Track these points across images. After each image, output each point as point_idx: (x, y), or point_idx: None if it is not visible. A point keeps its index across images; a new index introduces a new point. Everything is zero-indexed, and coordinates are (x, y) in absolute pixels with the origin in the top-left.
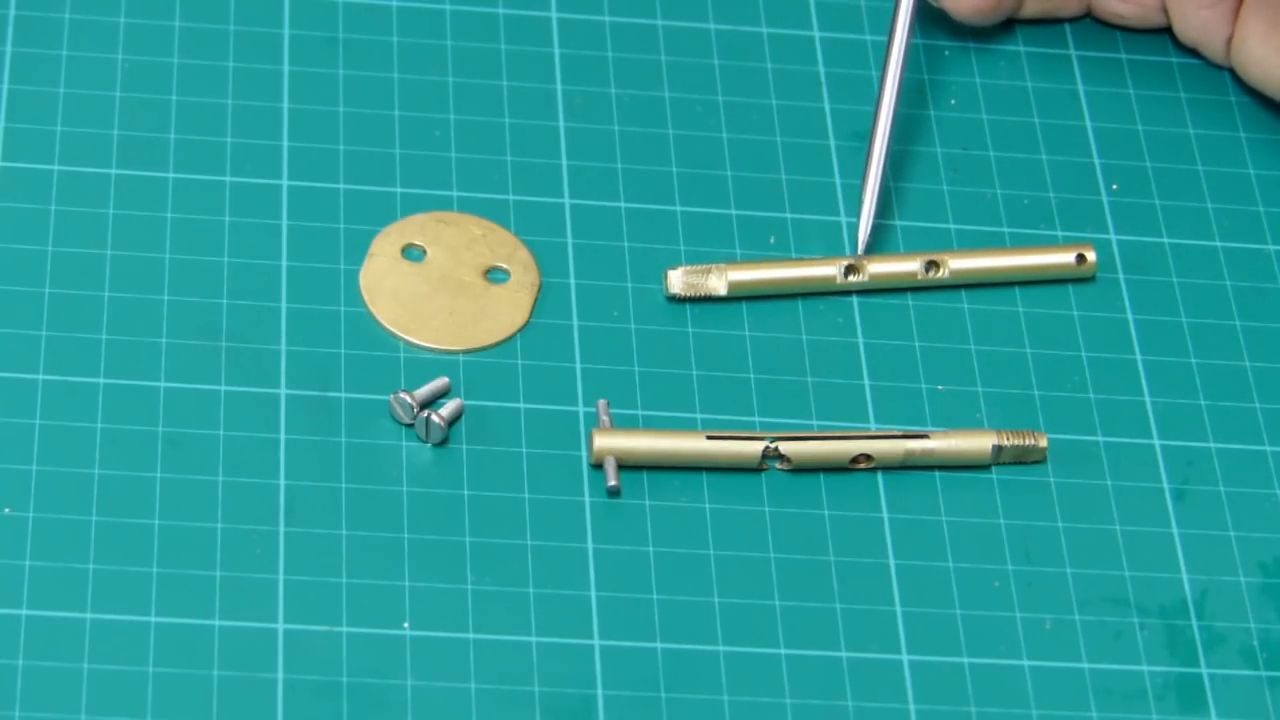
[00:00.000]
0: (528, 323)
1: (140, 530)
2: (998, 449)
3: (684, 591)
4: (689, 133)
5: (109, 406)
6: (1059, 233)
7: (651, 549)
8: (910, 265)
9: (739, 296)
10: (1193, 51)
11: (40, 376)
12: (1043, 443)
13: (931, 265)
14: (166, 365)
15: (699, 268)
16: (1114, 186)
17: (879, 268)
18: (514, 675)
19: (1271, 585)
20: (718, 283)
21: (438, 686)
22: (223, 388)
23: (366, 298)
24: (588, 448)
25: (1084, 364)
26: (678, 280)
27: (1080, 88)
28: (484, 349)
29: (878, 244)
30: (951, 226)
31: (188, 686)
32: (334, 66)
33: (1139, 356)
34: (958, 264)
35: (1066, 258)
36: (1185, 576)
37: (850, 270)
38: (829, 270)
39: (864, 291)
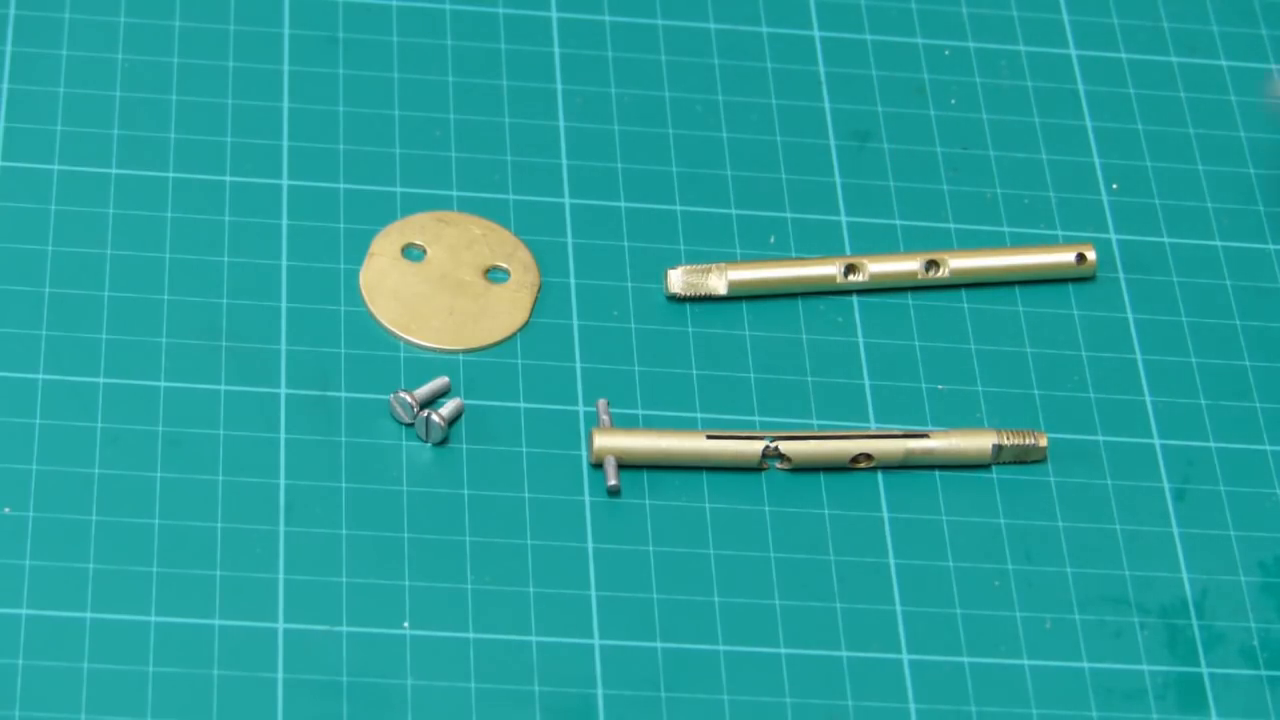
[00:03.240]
0: (528, 323)
1: (140, 530)
2: (998, 449)
3: (684, 591)
4: (689, 133)
5: (109, 406)
6: (1059, 233)
7: (651, 549)
8: (910, 265)
9: (739, 296)
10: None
11: (40, 376)
12: (1043, 443)
13: (931, 265)
14: (166, 365)
15: (699, 267)
16: (1114, 186)
17: (879, 267)
18: (514, 675)
19: (1271, 585)
20: (718, 282)
21: (438, 686)
22: (223, 388)
23: (366, 297)
24: (588, 447)
25: (1084, 364)
26: (678, 280)
27: (1080, 88)
28: (484, 349)
29: (878, 244)
30: (951, 226)
31: (188, 686)
32: (334, 66)
33: (1139, 356)
34: (958, 263)
35: (1066, 257)
36: (1185, 576)
37: (850, 270)
38: (829, 270)
39: (864, 291)
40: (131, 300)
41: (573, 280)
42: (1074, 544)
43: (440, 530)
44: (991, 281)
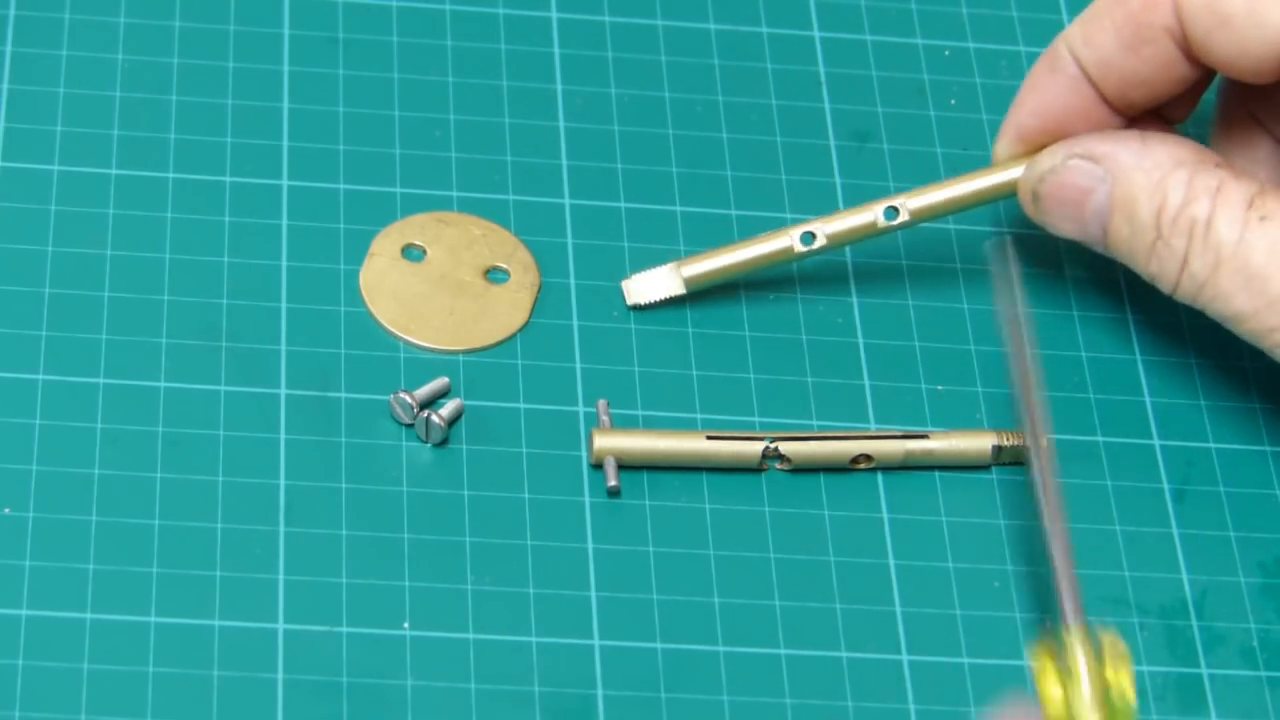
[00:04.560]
0: (528, 323)
1: (140, 530)
2: (997, 449)
3: (684, 591)
4: (689, 133)
5: (109, 406)
6: None
7: (651, 549)
8: (867, 217)
9: (701, 293)
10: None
11: (40, 376)
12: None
13: (891, 211)
14: (166, 365)
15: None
16: None
17: (835, 226)
18: (514, 675)
19: (1271, 585)
20: (673, 283)
21: (438, 686)
22: (223, 388)
23: (366, 298)
24: (588, 448)
25: (1084, 364)
26: (635, 290)
27: None
28: (484, 349)
29: (877, 243)
30: (951, 226)
31: (188, 686)
32: (334, 66)
33: (1139, 356)
34: (916, 203)
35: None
36: (1185, 576)
37: (809, 237)
38: (784, 243)
39: (849, 242)
40: (131, 300)
41: (573, 280)
42: (1074, 544)
43: (440, 530)
44: (950, 212)
